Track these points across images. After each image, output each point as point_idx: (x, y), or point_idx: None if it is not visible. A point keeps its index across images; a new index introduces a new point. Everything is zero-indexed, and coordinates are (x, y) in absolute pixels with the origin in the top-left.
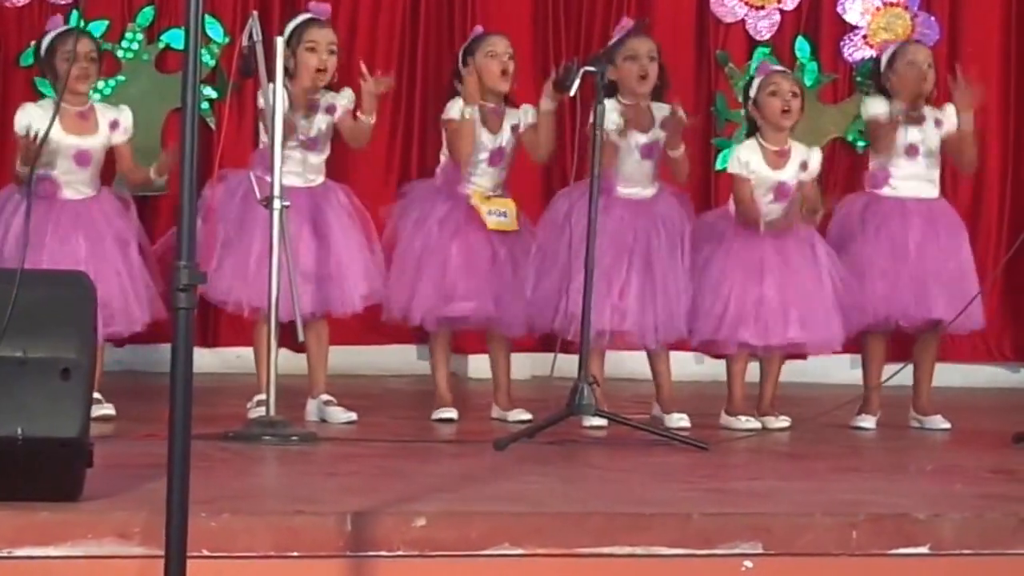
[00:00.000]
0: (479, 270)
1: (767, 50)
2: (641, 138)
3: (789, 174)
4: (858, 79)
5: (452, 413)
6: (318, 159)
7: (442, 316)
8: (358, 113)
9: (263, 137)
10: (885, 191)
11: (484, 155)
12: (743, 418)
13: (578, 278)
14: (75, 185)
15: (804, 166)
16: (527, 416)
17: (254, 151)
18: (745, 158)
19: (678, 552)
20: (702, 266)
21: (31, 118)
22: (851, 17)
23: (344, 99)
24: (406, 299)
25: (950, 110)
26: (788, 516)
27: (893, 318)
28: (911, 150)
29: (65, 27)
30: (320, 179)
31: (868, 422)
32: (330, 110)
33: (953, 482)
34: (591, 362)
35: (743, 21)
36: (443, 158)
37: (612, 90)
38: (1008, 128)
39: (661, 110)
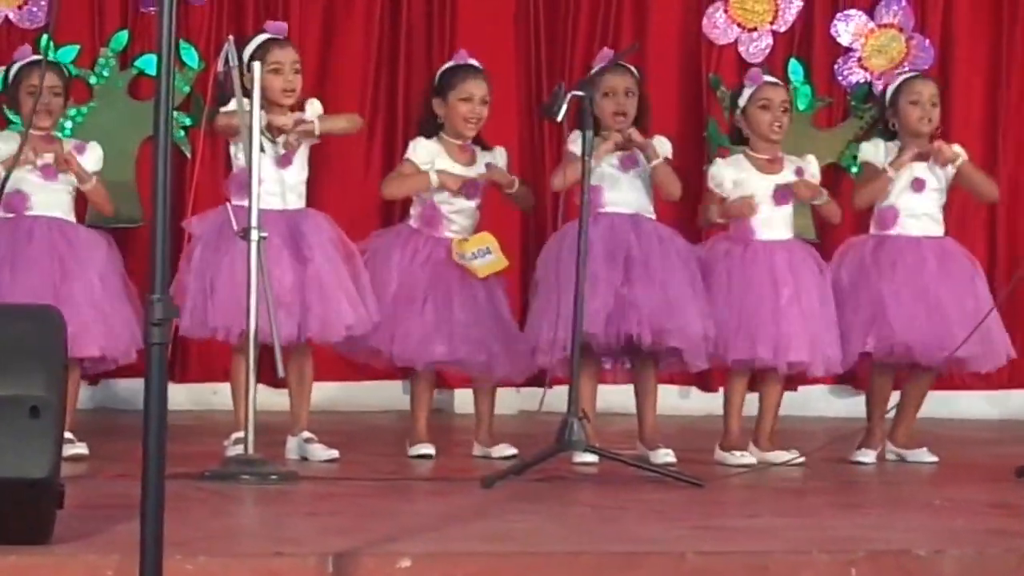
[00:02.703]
0: (463, 315)
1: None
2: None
3: (786, 178)
4: (853, 103)
5: (429, 449)
6: (294, 179)
7: (428, 360)
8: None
9: (237, 159)
10: (895, 231)
11: (456, 193)
12: (738, 453)
13: (566, 300)
14: (44, 202)
15: (800, 172)
16: (512, 451)
17: (228, 175)
18: (718, 175)
19: None
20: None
21: None
22: (845, 40)
23: (311, 111)
24: (388, 341)
25: (957, 146)
26: (785, 554)
27: (915, 355)
28: (918, 184)
29: (32, 57)
30: (301, 203)
31: (869, 456)
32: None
33: (954, 517)
34: (582, 396)
35: (736, 43)
36: (419, 205)
37: (596, 125)
38: (996, 156)
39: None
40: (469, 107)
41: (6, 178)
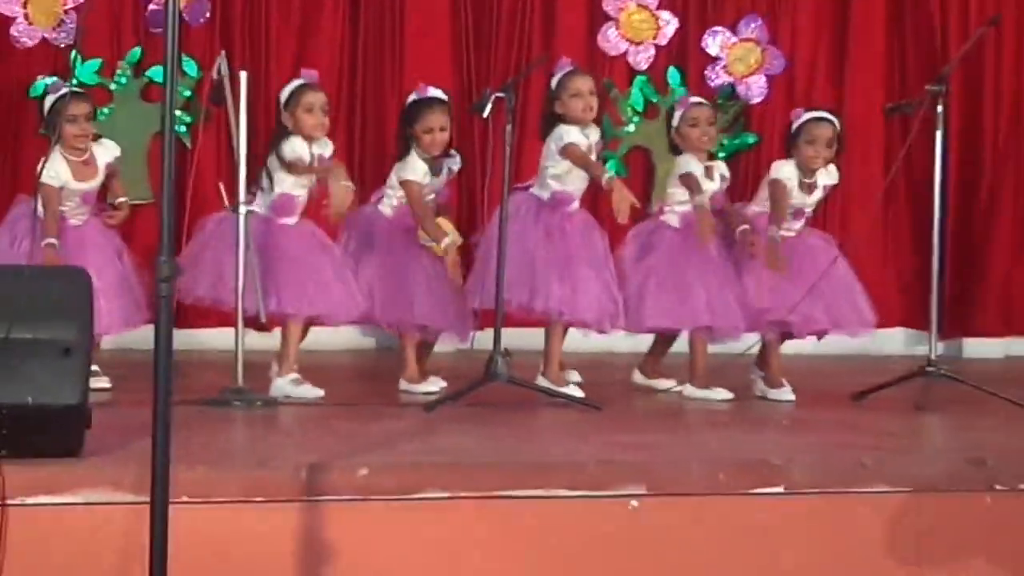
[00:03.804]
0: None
1: (644, 78)
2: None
3: (715, 184)
4: (719, 101)
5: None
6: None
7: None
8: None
9: (277, 183)
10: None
11: (431, 196)
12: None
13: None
14: (78, 216)
15: (723, 177)
16: (442, 383)
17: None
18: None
19: (576, 494)
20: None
21: (59, 172)
22: (712, 50)
23: (327, 149)
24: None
25: (832, 170)
26: (667, 464)
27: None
28: (797, 215)
29: (64, 90)
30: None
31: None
32: (320, 160)
33: (804, 434)
34: (553, 341)
35: (625, 54)
36: (394, 199)
37: (561, 120)
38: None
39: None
40: (430, 137)
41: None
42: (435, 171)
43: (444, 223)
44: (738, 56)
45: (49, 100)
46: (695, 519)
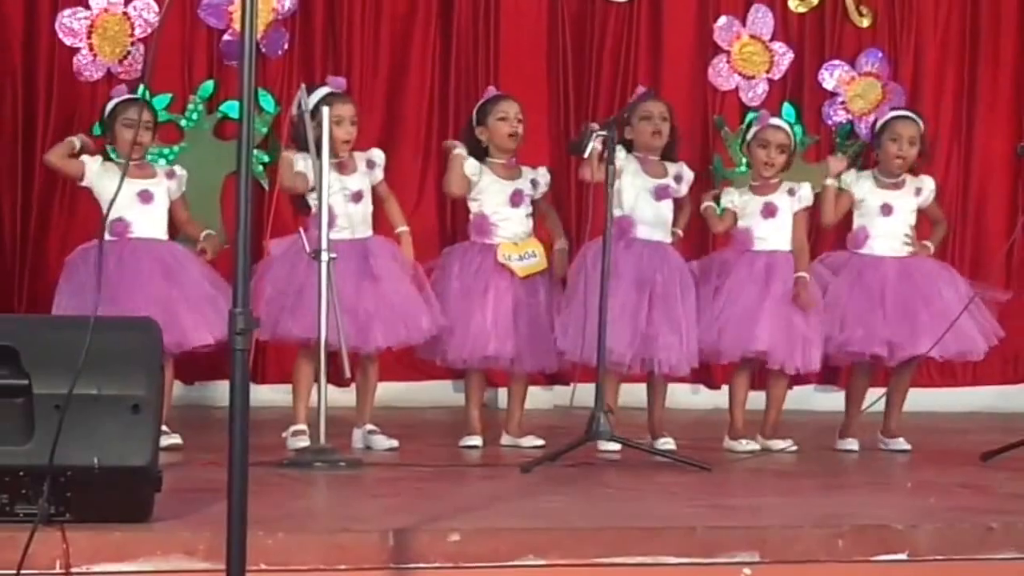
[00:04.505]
0: (507, 316)
1: (756, 115)
2: (651, 182)
3: (779, 199)
4: (838, 139)
5: (478, 440)
6: (363, 211)
7: (473, 357)
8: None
9: (311, 200)
10: (864, 250)
11: (503, 198)
12: (744, 441)
13: (592, 315)
14: (143, 223)
15: (792, 192)
16: (540, 442)
17: (307, 217)
18: (728, 198)
19: (683, 561)
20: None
21: (90, 171)
22: (829, 85)
23: (379, 157)
24: (442, 343)
25: (928, 181)
26: (781, 528)
27: (874, 353)
28: (886, 210)
29: (127, 95)
30: (368, 231)
31: (852, 444)
32: (370, 165)
33: (926, 496)
34: (606, 392)
35: (737, 89)
36: (471, 213)
37: (629, 147)
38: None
39: (672, 167)
40: (507, 123)
41: (110, 207)
42: (508, 175)
43: (533, 242)
44: (857, 92)
45: (110, 106)
46: None
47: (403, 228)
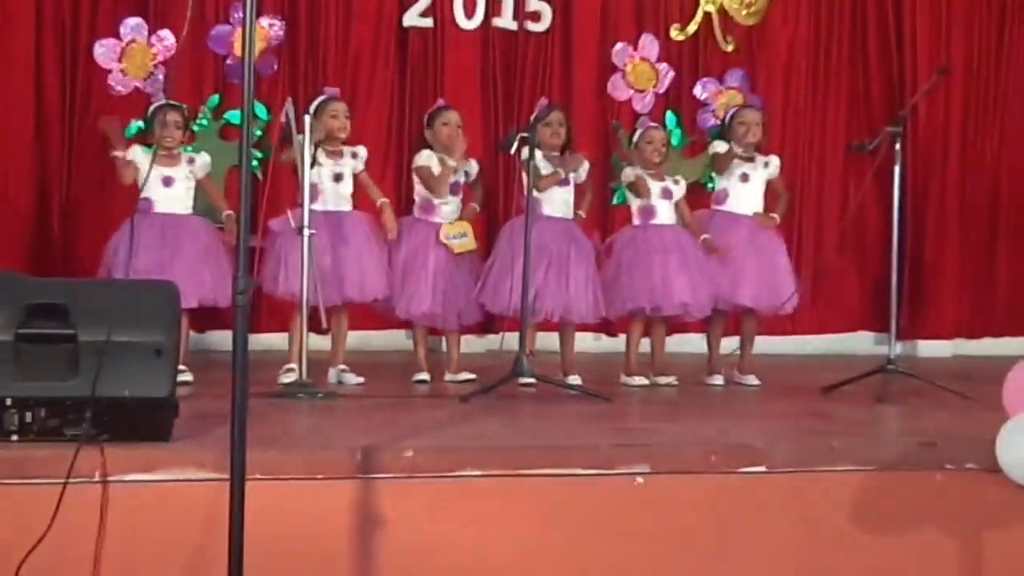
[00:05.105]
0: (441, 281)
1: (642, 120)
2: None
3: (669, 183)
4: (709, 140)
5: (426, 376)
6: (345, 190)
7: (414, 313)
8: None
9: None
10: (724, 207)
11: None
12: (637, 378)
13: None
14: (165, 202)
15: (677, 182)
16: (472, 376)
17: (298, 194)
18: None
19: (590, 472)
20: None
21: (135, 154)
22: (702, 96)
23: (362, 151)
24: (395, 300)
25: (774, 159)
26: (667, 446)
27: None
28: (744, 178)
29: (163, 101)
30: (349, 207)
31: (718, 380)
32: (354, 156)
33: (780, 421)
34: (528, 338)
35: (631, 100)
36: (418, 196)
37: (540, 146)
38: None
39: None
40: (448, 128)
41: (143, 186)
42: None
43: (464, 225)
44: (724, 102)
45: (150, 110)
46: (691, 494)
47: (383, 200)
